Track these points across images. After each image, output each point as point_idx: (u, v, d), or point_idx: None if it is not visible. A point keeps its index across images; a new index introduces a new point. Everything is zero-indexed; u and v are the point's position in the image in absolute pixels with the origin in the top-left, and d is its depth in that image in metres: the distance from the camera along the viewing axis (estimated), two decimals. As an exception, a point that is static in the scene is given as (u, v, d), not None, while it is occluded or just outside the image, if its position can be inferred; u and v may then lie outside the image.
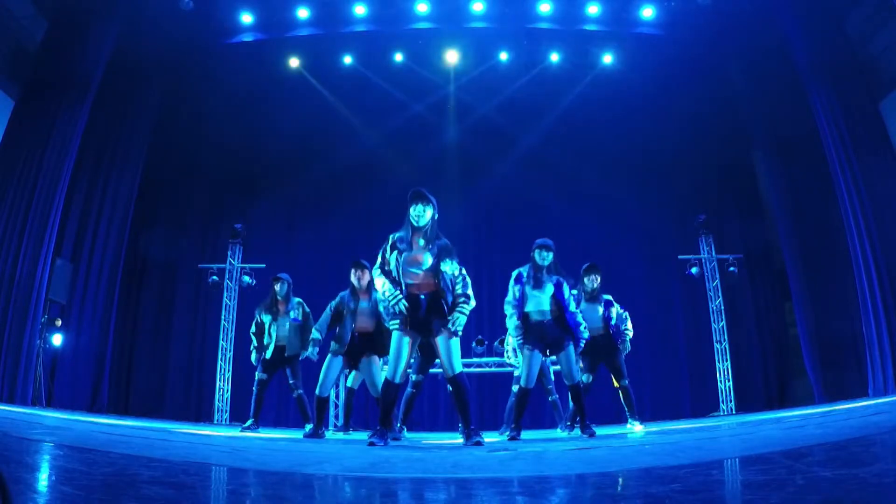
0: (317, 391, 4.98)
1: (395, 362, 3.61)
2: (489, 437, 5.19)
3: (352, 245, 10.53)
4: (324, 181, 10.62)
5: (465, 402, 3.66)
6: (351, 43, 9.95)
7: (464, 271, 3.75)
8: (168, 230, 10.35)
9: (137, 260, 10.11)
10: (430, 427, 9.17)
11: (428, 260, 3.63)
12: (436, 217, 3.76)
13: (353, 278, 5.03)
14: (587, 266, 5.50)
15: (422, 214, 3.69)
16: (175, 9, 8.70)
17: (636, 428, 5.22)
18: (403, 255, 3.64)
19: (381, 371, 6.52)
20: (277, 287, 5.89)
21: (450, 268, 3.65)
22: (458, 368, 3.63)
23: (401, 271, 3.63)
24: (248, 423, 5.78)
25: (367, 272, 4.98)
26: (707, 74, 9.90)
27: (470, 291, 3.67)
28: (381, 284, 3.68)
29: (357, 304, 4.96)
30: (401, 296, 3.57)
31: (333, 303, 5.08)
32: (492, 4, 9.43)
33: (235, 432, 5.80)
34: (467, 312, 3.61)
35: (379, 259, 3.78)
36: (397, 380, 3.61)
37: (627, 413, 5.32)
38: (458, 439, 4.38)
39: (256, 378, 5.88)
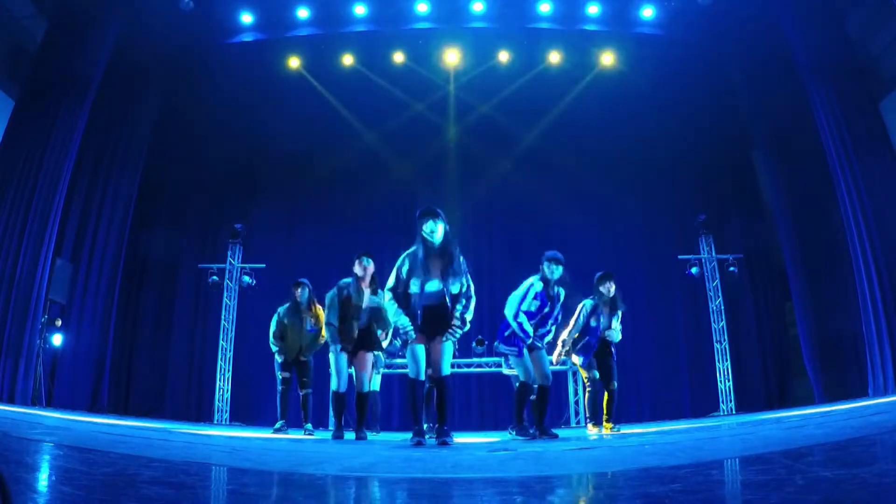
0: (334, 387, 4.89)
1: (415, 365, 3.75)
2: (493, 437, 5.19)
3: (352, 245, 10.47)
4: (324, 181, 10.62)
5: (444, 404, 3.80)
6: (351, 43, 9.94)
7: (471, 290, 3.84)
8: (168, 230, 10.33)
9: (137, 260, 10.09)
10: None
11: (440, 282, 3.76)
12: (448, 229, 3.81)
13: (357, 269, 4.90)
14: (601, 274, 5.49)
15: (435, 230, 3.73)
16: (175, 9, 8.69)
17: (594, 430, 5.31)
18: (419, 278, 3.72)
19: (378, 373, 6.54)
20: (298, 291, 5.86)
21: (459, 287, 3.78)
22: (446, 371, 3.80)
23: (417, 293, 3.73)
24: (279, 424, 5.67)
25: (371, 265, 4.93)
26: (707, 74, 9.89)
27: (468, 315, 3.81)
28: (393, 310, 3.80)
29: (360, 297, 4.88)
30: (412, 327, 3.70)
31: (335, 294, 4.90)
32: (492, 4, 9.42)
33: (235, 432, 5.80)
34: (458, 336, 3.79)
35: (392, 280, 3.85)
36: (421, 377, 3.78)
37: (604, 415, 5.34)
38: (464, 438, 4.39)
39: (280, 377, 5.86)
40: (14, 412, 5.22)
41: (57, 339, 8.01)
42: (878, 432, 2.70)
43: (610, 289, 5.40)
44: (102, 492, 1.54)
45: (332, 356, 4.89)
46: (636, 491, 1.60)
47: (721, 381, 9.09)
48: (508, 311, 4.59)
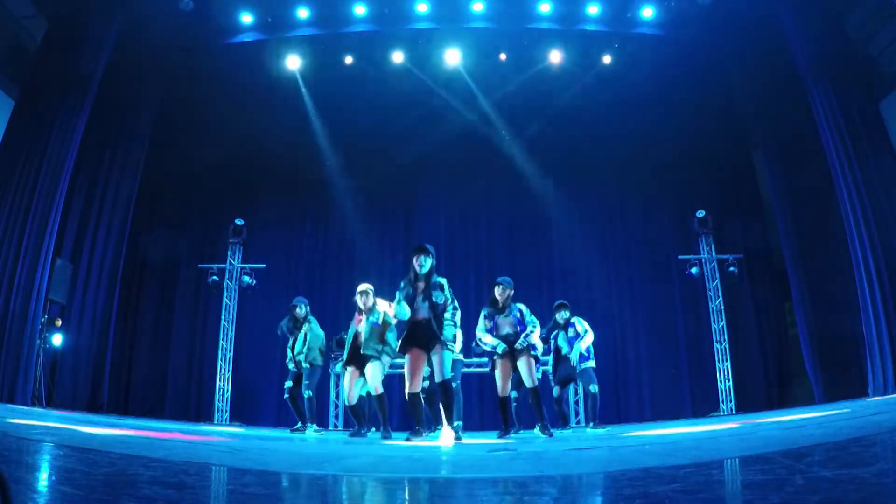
0: (347, 402, 5.46)
1: (412, 376, 4.37)
2: (493, 438, 5.19)
3: (351, 245, 10.54)
4: (324, 181, 10.62)
5: (449, 404, 4.47)
6: (351, 43, 9.93)
7: (455, 302, 4.57)
8: (168, 230, 10.33)
9: (137, 260, 10.09)
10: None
11: (426, 300, 4.48)
12: (434, 263, 4.57)
13: (359, 301, 5.52)
14: (557, 304, 6.48)
15: (424, 264, 4.51)
16: (175, 9, 8.68)
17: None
18: (409, 296, 4.50)
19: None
20: (297, 310, 6.71)
21: (440, 298, 4.46)
22: (447, 376, 4.41)
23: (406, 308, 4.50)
24: (299, 425, 6.52)
25: (370, 297, 5.56)
26: (707, 74, 9.88)
27: (456, 319, 4.53)
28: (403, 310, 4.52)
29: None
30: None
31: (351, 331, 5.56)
32: (492, 4, 9.41)
33: (235, 432, 5.80)
34: (452, 332, 4.49)
35: (395, 298, 4.67)
36: (415, 389, 4.42)
37: (583, 417, 5.85)
38: (464, 438, 4.41)
39: (286, 387, 6.72)
40: (14, 412, 5.22)
41: (57, 339, 8.01)
42: (878, 432, 2.69)
43: (563, 316, 6.34)
44: (102, 492, 1.54)
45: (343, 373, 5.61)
46: (636, 491, 1.60)
47: (721, 381, 9.09)
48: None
